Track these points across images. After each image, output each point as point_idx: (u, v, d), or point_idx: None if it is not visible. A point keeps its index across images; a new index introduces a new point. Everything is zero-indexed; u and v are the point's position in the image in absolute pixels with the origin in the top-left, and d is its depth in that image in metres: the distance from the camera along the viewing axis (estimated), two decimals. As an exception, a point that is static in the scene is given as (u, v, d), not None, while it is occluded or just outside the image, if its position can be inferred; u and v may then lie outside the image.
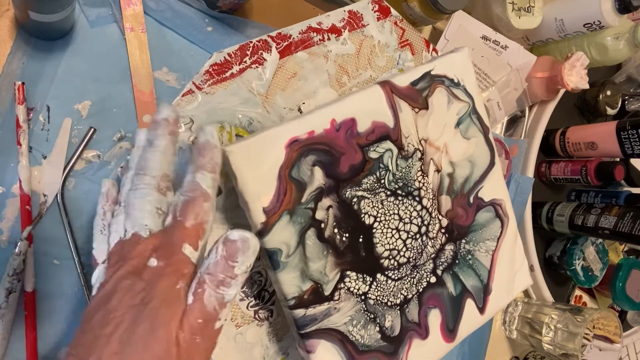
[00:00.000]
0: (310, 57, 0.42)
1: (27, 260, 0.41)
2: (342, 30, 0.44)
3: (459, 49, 0.45)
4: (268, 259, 0.36)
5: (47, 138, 0.44)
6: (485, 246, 0.47)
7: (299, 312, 0.36)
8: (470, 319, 0.45)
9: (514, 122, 0.72)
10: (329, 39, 0.43)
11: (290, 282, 0.36)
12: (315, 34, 0.43)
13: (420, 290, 0.42)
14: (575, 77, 0.64)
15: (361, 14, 0.45)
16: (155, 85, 0.48)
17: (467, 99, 0.45)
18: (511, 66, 0.63)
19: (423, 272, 0.42)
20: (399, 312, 0.41)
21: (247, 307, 0.41)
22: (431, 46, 0.50)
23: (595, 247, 0.72)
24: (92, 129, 0.45)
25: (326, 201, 0.37)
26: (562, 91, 0.70)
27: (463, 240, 0.45)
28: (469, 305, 0.45)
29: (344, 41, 0.44)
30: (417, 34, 0.48)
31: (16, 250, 0.40)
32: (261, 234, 0.35)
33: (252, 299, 0.41)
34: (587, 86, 0.65)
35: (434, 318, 0.43)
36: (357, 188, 0.39)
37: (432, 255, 0.43)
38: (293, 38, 0.42)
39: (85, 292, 0.44)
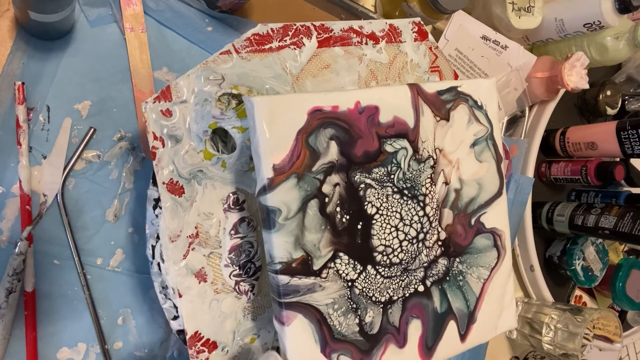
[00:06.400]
0: (345, 54, 0.44)
1: (27, 260, 0.41)
2: (380, 39, 0.46)
3: (487, 77, 0.48)
4: (266, 217, 0.36)
5: (47, 138, 0.44)
6: (478, 272, 0.46)
7: (284, 278, 0.36)
8: (450, 343, 0.44)
9: (514, 122, 0.72)
10: (366, 43, 0.45)
11: (282, 246, 0.36)
12: (355, 35, 0.45)
13: (407, 295, 0.42)
14: (575, 77, 0.64)
15: (400, 31, 0.47)
16: (155, 85, 0.48)
17: (487, 124, 0.47)
18: (511, 66, 0.63)
19: (413, 277, 0.42)
20: (381, 310, 0.40)
21: (230, 276, 0.40)
22: (459, 79, 0.51)
23: (595, 247, 0.72)
24: (92, 129, 0.45)
25: (335, 177, 0.38)
26: (562, 91, 0.70)
27: (457, 259, 0.45)
28: (451, 328, 0.44)
29: (380, 50, 0.46)
30: (448, 65, 0.50)
31: (16, 250, 0.40)
32: (265, 189, 0.35)
33: (237, 268, 0.41)
34: (587, 86, 0.65)
35: (415, 329, 0.42)
36: (366, 175, 0.39)
37: (425, 264, 0.43)
38: (334, 33, 0.44)
39: (85, 292, 0.44)
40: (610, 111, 0.77)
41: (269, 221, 0.35)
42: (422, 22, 0.49)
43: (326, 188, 0.37)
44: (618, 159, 0.72)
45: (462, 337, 0.45)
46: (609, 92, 0.76)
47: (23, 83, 0.42)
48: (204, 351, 0.39)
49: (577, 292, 0.78)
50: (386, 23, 0.46)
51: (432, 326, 0.43)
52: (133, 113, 0.47)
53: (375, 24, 0.46)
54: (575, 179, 0.71)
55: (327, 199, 0.37)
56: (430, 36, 0.49)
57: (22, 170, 0.42)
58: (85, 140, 0.45)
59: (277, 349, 0.42)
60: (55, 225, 0.43)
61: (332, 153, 0.37)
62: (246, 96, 0.36)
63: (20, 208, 0.42)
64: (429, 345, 0.43)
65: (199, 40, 0.49)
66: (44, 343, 0.42)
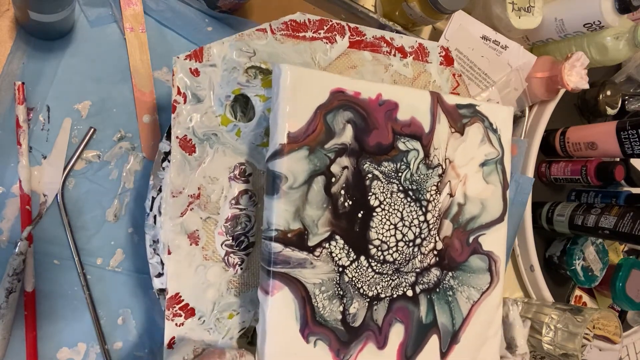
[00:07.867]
0: (373, 60, 0.45)
1: (27, 260, 0.41)
2: (408, 55, 0.48)
3: (507, 106, 0.49)
4: (271, 182, 0.36)
5: (47, 138, 0.44)
6: (469, 292, 0.46)
7: (277, 246, 0.36)
8: (430, 358, 0.43)
9: (514, 122, 0.72)
10: (394, 55, 0.47)
11: (281, 214, 0.36)
12: (385, 45, 0.46)
13: (395, 296, 0.41)
14: (575, 77, 0.64)
15: (428, 51, 0.49)
16: (155, 85, 0.48)
17: (499, 148, 0.48)
18: (511, 66, 0.63)
19: (403, 280, 0.42)
20: (367, 304, 0.40)
21: (222, 245, 0.40)
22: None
23: (595, 247, 0.72)
24: (92, 129, 0.45)
25: (345, 160, 0.39)
26: (562, 91, 0.70)
27: (450, 273, 0.45)
28: (433, 342, 0.43)
29: (406, 64, 0.47)
30: (468, 93, 0.52)
31: (16, 250, 0.40)
32: (276, 154, 0.36)
33: (230, 238, 0.41)
34: (587, 86, 0.65)
35: (396, 333, 0.41)
36: (375, 166, 0.40)
37: (417, 270, 0.42)
38: (366, 37, 0.45)
39: (85, 292, 0.44)
40: (610, 111, 0.77)
41: (274, 186, 0.36)
42: (449, 49, 0.50)
43: (335, 168, 0.38)
44: (618, 159, 0.72)
45: (443, 355, 0.44)
46: (609, 92, 0.76)
47: (23, 83, 0.42)
48: (180, 315, 0.39)
49: (577, 292, 0.78)
50: (416, 41, 0.48)
51: (415, 335, 0.42)
52: (133, 113, 0.47)
53: (405, 39, 0.47)
54: (575, 179, 0.71)
55: (333, 179, 0.38)
56: (455, 64, 0.51)
57: (22, 170, 0.42)
58: (85, 140, 0.45)
59: (253, 336, 0.40)
60: (55, 225, 0.43)
61: (347, 136, 0.39)
62: (276, 63, 0.37)
63: (20, 208, 0.42)
64: (408, 354, 0.42)
65: (199, 40, 0.49)
66: (44, 343, 0.42)
